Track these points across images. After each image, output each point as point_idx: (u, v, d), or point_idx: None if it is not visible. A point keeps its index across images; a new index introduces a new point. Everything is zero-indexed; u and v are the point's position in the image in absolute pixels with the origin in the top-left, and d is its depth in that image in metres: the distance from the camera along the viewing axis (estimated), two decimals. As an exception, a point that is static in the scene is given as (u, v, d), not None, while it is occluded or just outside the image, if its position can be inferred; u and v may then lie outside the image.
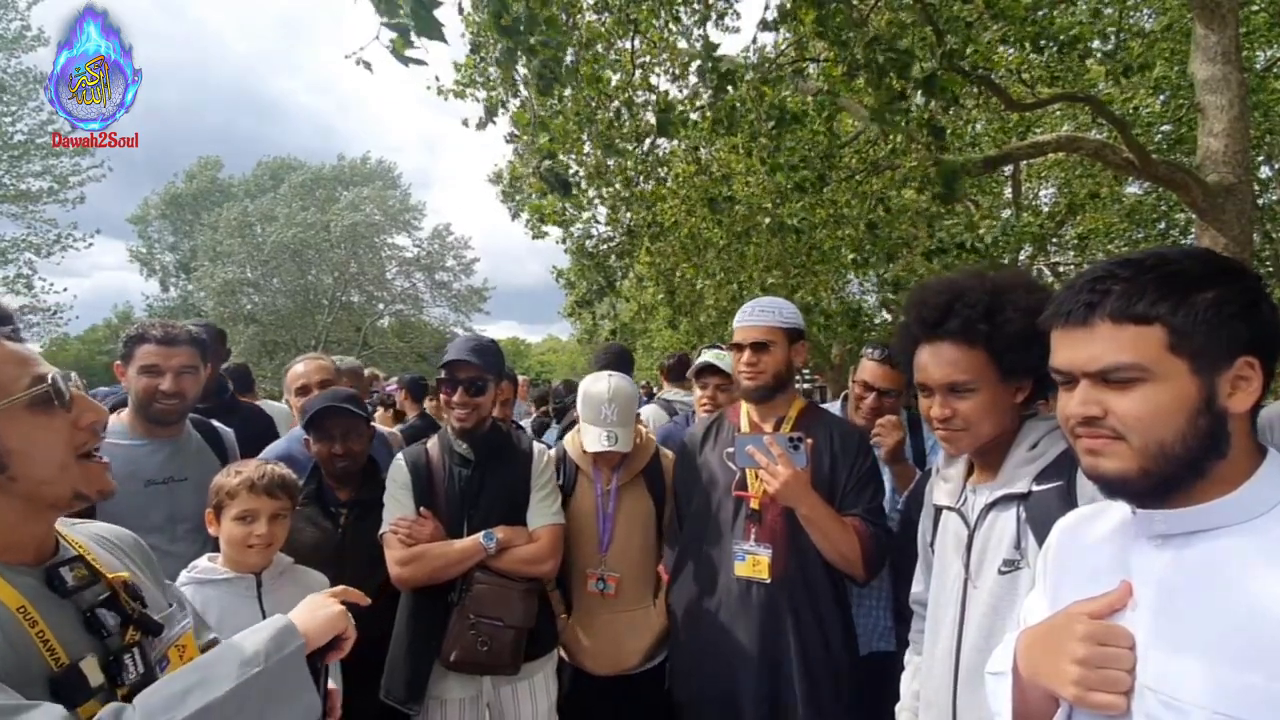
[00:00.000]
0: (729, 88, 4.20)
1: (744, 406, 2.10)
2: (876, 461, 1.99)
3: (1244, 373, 0.78)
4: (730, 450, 1.97)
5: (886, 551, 1.85)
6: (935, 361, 1.34)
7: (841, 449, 1.93)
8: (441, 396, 2.06)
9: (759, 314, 1.99)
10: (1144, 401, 0.78)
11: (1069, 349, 0.85)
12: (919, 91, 3.90)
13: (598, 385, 2.14)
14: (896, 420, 2.31)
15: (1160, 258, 0.81)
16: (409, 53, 2.59)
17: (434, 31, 2.52)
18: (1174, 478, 0.79)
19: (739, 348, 1.98)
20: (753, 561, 1.87)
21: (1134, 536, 0.86)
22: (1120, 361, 0.79)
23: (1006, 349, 1.31)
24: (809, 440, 1.77)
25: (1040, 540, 1.21)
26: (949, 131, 7.52)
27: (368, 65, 3.25)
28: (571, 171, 6.71)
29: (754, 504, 1.92)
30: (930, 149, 4.57)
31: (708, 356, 2.86)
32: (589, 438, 2.11)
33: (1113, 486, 0.84)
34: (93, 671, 0.92)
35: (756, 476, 1.87)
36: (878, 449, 2.23)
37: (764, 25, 4.91)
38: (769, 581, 1.85)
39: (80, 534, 1.10)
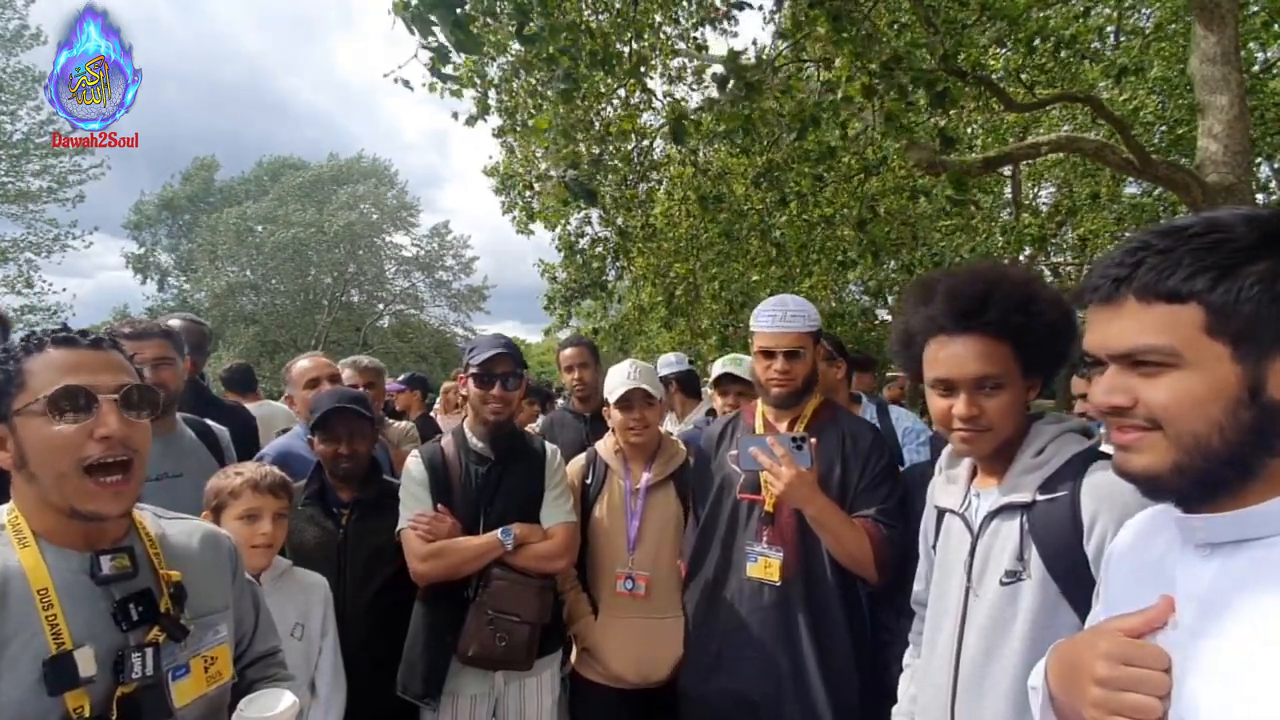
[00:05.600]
0: (753, 95, 4.21)
1: (759, 406, 2.07)
2: (893, 461, 1.95)
3: None
4: (735, 453, 1.95)
5: (901, 553, 1.79)
6: (965, 355, 1.26)
7: (854, 449, 1.89)
8: (474, 391, 2.08)
9: (791, 319, 1.90)
10: (1174, 390, 0.68)
11: (1095, 328, 0.75)
12: (928, 104, 3.96)
13: (621, 364, 2.26)
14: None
15: (1209, 223, 0.69)
16: (445, 70, 2.74)
17: (473, 47, 2.60)
18: (1214, 476, 0.69)
19: (769, 354, 1.91)
20: (764, 563, 1.86)
21: (1180, 545, 0.76)
22: (1145, 344, 0.69)
23: (1036, 343, 1.27)
24: (813, 440, 1.75)
25: (1043, 552, 1.19)
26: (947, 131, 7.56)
27: (407, 84, 3.42)
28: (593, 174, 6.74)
29: (768, 506, 1.89)
30: (939, 154, 4.60)
31: (727, 366, 2.87)
32: (617, 390, 2.16)
33: (1145, 486, 0.74)
34: (86, 662, 0.94)
35: (765, 480, 1.85)
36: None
37: (780, 35, 4.95)
38: (779, 583, 1.84)
39: (170, 527, 1.16)
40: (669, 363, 4.10)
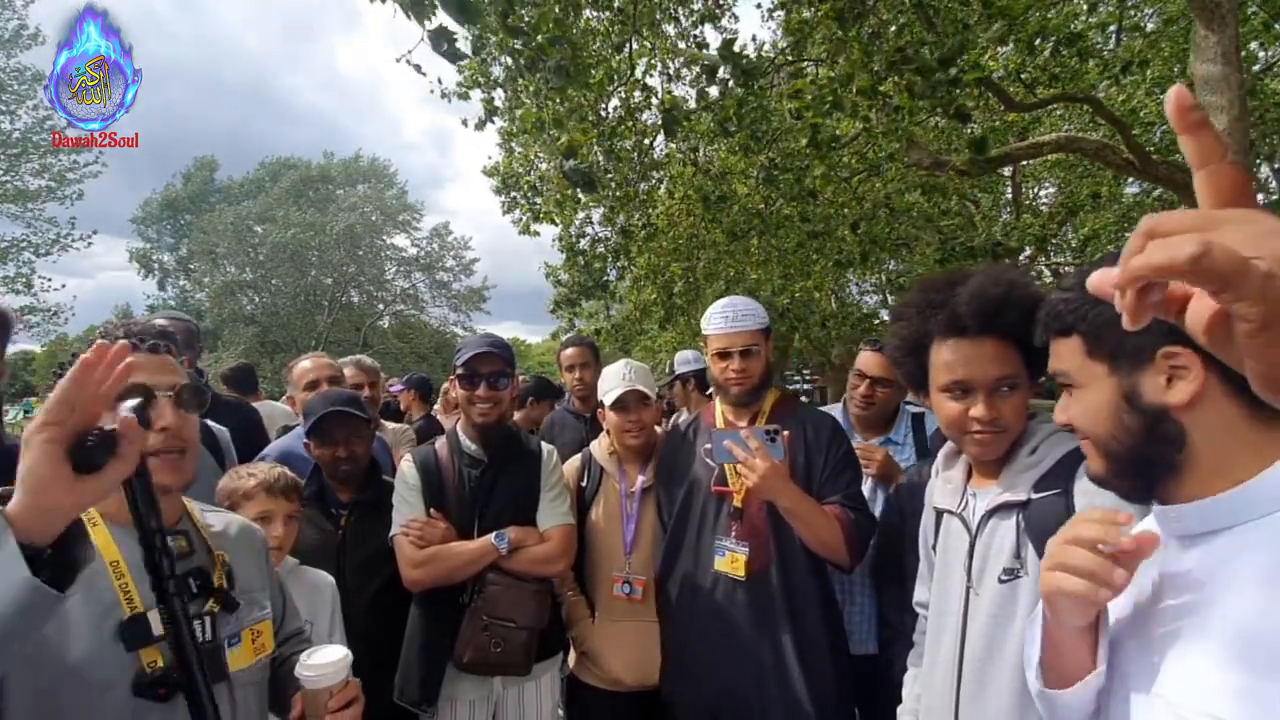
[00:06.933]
0: (753, 83, 4.21)
1: (718, 405, 2.09)
2: (851, 447, 2.00)
3: (1176, 363, 0.75)
4: (709, 446, 1.97)
5: (869, 537, 1.85)
6: (983, 357, 1.28)
7: (815, 438, 1.93)
8: (460, 393, 2.05)
9: (743, 318, 1.95)
10: (1078, 404, 0.87)
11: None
12: (941, 90, 3.97)
13: (614, 365, 2.25)
14: (877, 450, 2.33)
15: (1082, 271, 0.86)
16: (450, 48, 2.72)
17: (474, 15, 2.62)
18: (1135, 472, 0.81)
19: (725, 355, 1.96)
20: (731, 558, 1.88)
21: (1166, 536, 0.81)
22: (1056, 369, 0.91)
23: (1042, 345, 1.31)
24: (785, 432, 1.77)
25: (1039, 549, 1.20)
26: (944, 131, 7.56)
27: (419, 68, 3.46)
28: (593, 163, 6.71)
29: (736, 501, 1.91)
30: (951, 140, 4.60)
31: None
32: (612, 393, 2.14)
33: (1102, 485, 0.88)
34: (158, 622, 1.05)
35: (736, 472, 1.86)
36: (867, 472, 2.26)
37: (789, 34, 4.97)
38: (745, 578, 1.86)
39: (211, 518, 1.31)
40: (686, 360, 4.10)
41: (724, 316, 1.97)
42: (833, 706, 1.81)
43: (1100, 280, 0.48)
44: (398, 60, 3.40)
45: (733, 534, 1.90)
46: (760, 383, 1.98)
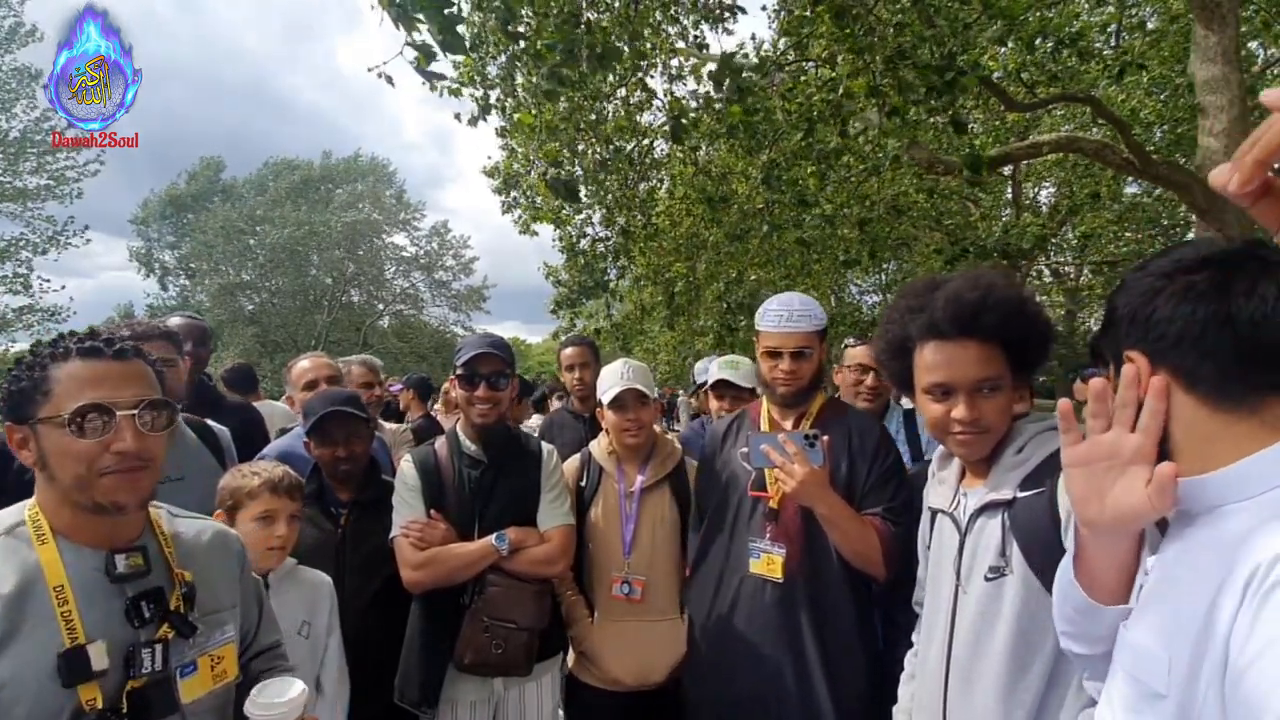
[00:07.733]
0: (747, 98, 4.24)
1: (765, 404, 2.05)
2: (900, 458, 1.94)
3: (1135, 363, 0.83)
4: (745, 450, 1.94)
5: (909, 551, 1.79)
6: (964, 359, 1.29)
7: (860, 446, 1.87)
8: (459, 393, 2.04)
9: (798, 319, 1.88)
10: None
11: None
12: (937, 93, 3.98)
13: (612, 364, 2.26)
14: None
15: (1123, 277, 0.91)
16: (430, 66, 2.77)
17: (457, 47, 2.64)
18: None
19: (776, 354, 1.89)
20: (767, 560, 1.85)
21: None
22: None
23: (1026, 347, 1.31)
24: (825, 437, 1.72)
25: (1024, 548, 1.21)
26: (942, 131, 7.56)
27: (390, 79, 3.48)
28: (575, 173, 6.72)
29: (773, 503, 1.88)
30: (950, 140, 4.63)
31: (724, 372, 2.86)
32: (610, 392, 2.14)
33: None
34: (98, 656, 0.97)
35: (774, 477, 1.83)
36: None
37: (784, 33, 4.98)
38: (781, 580, 1.83)
39: (181, 525, 1.21)
40: (706, 369, 4.09)
41: (778, 315, 1.90)
42: (860, 713, 1.78)
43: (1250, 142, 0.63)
44: (370, 70, 3.44)
45: (768, 535, 1.87)
46: (809, 385, 1.92)
